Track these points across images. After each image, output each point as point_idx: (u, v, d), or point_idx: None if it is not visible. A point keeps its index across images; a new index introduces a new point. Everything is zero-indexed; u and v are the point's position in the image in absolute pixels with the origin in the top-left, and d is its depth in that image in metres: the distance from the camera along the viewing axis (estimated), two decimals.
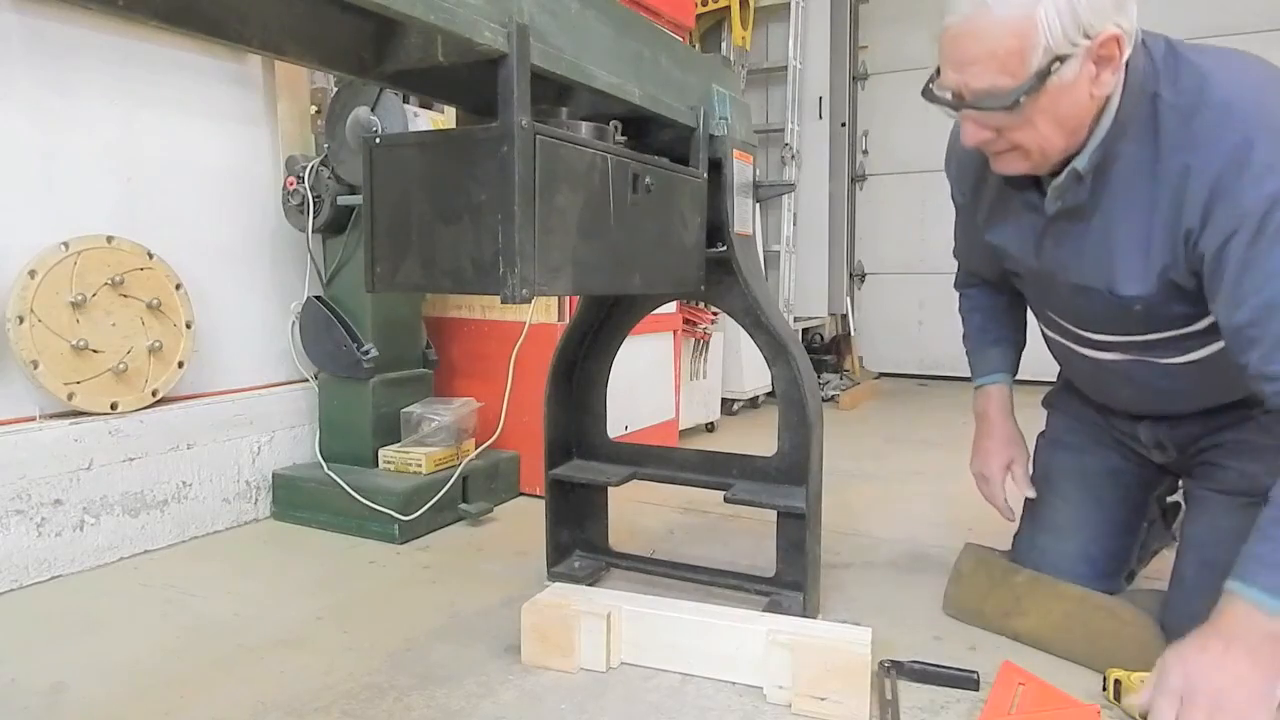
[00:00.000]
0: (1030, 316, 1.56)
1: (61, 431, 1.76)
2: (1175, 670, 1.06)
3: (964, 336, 1.64)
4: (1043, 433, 1.63)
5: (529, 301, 1.07)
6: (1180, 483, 1.52)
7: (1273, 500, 1.06)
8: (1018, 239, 1.32)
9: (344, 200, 2.11)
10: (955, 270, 1.66)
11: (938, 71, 1.14)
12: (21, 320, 1.69)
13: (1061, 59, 1.04)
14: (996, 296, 1.60)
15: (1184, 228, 1.10)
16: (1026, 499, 1.57)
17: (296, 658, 1.38)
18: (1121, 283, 1.18)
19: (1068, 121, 1.11)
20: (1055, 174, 1.20)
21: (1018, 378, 1.60)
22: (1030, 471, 1.53)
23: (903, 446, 3.09)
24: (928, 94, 1.15)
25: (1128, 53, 1.07)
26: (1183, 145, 1.08)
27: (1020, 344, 1.61)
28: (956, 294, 1.67)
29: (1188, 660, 1.06)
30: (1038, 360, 1.62)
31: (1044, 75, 1.04)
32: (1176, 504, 1.58)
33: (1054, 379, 1.65)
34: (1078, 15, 1.02)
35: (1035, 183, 1.26)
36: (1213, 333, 1.18)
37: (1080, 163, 1.15)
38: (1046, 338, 1.49)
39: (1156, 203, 1.12)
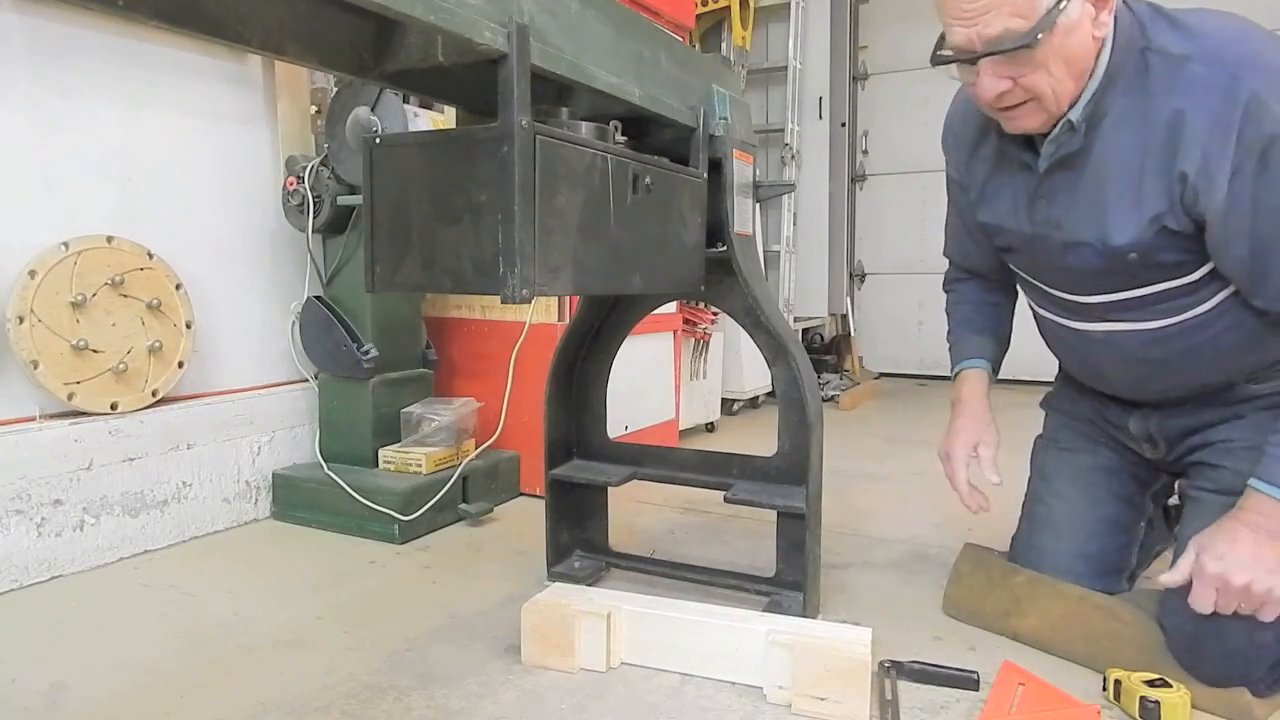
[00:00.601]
0: (1022, 318, 1.57)
1: (61, 431, 1.76)
2: (1210, 561, 1.13)
3: (948, 332, 1.64)
4: (1041, 434, 1.63)
5: (529, 301, 1.07)
6: (1176, 484, 1.52)
7: None
8: (1011, 207, 1.35)
9: (344, 200, 2.11)
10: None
11: (941, 39, 1.19)
12: (21, 320, 1.69)
13: None
14: (985, 293, 1.60)
15: (1178, 170, 1.13)
16: (1025, 499, 1.57)
17: (296, 658, 1.38)
18: (1114, 232, 1.21)
19: (1076, 62, 1.15)
20: (1046, 134, 1.24)
21: (1016, 377, 1.59)
22: (997, 458, 1.47)
23: (903, 446, 3.09)
24: (936, 59, 1.20)
25: None
26: (1173, 91, 1.13)
27: (1004, 339, 1.60)
28: (945, 294, 1.67)
29: (1222, 553, 1.13)
30: (1038, 360, 1.62)
31: (1053, 14, 1.10)
32: (1178, 506, 1.58)
33: (1053, 380, 1.65)
34: None
35: (1029, 144, 1.29)
36: (1205, 286, 1.21)
37: (1074, 114, 1.20)
38: (1039, 320, 1.50)
39: (1147, 149, 1.16)
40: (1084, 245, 1.25)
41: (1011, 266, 1.47)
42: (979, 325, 1.59)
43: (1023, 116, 1.22)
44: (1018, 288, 1.57)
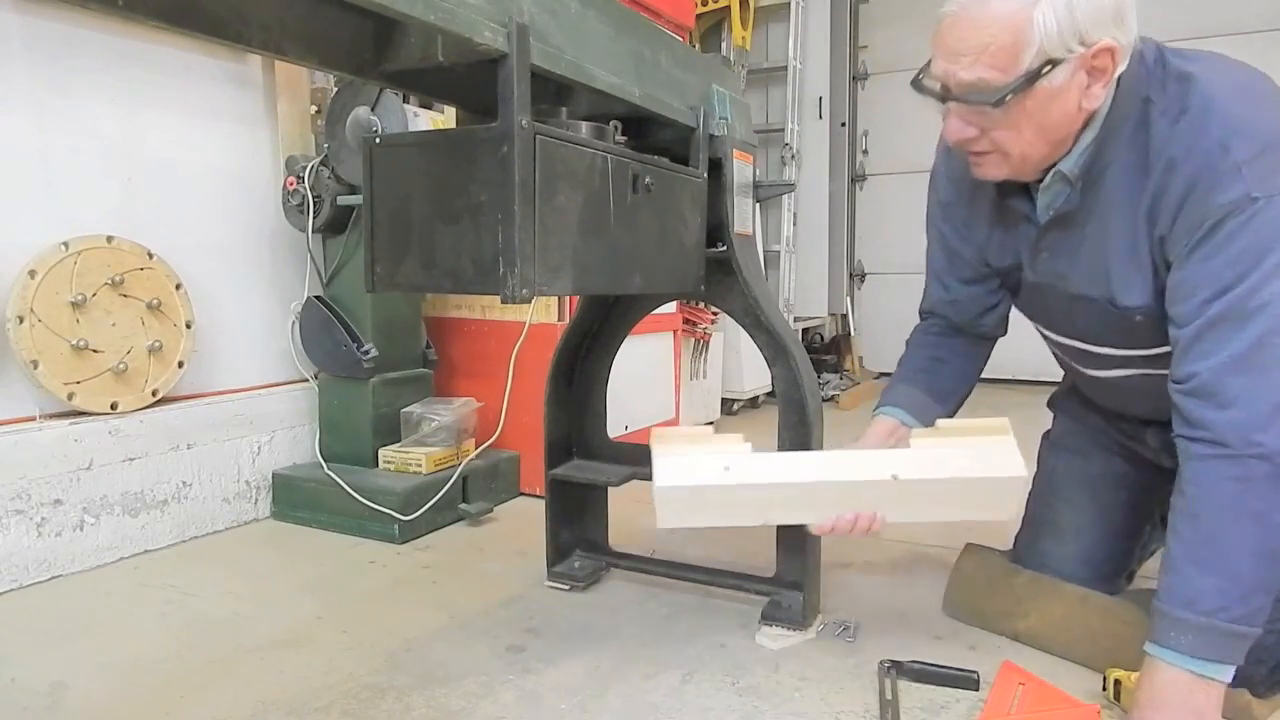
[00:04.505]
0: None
1: (61, 431, 1.76)
2: None
3: (898, 361, 1.50)
4: (1047, 433, 1.62)
5: (529, 301, 1.07)
6: None
7: (1173, 531, 1.06)
8: (1013, 253, 1.30)
9: (344, 200, 2.11)
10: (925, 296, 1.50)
11: (930, 63, 1.12)
12: (21, 320, 1.69)
13: (1054, 63, 1.02)
14: (948, 344, 1.46)
15: (1158, 234, 1.09)
16: (1030, 500, 1.57)
17: (296, 658, 1.38)
18: (1120, 293, 1.16)
19: (1054, 130, 1.09)
20: (1041, 179, 1.18)
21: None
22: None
23: None
24: (916, 84, 1.14)
25: (1122, 67, 1.06)
26: (1169, 145, 1.06)
27: (945, 396, 1.42)
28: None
29: None
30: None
31: (1034, 77, 1.02)
32: None
33: (1057, 379, 1.64)
34: (1075, 21, 1.00)
35: (1025, 190, 1.23)
36: None
37: (1067, 165, 1.14)
38: (1054, 354, 1.46)
39: (1141, 207, 1.10)
40: (1091, 301, 1.20)
41: (1019, 310, 1.41)
42: (919, 378, 1.44)
43: (987, 165, 1.16)
44: (993, 342, 1.48)
